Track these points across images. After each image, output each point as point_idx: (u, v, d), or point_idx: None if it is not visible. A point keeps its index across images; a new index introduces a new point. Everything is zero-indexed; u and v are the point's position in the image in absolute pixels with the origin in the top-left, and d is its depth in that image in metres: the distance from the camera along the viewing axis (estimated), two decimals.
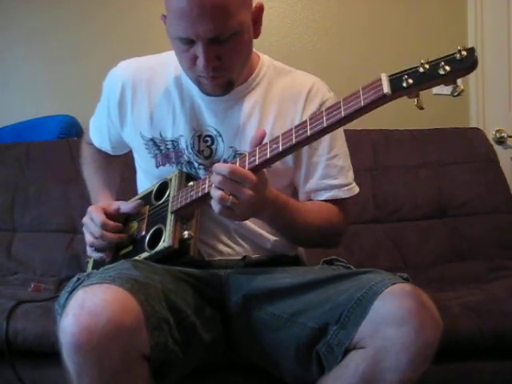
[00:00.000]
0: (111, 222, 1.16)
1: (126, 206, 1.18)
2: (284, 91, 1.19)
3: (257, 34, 1.11)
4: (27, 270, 1.83)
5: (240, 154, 1.15)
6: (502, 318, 1.31)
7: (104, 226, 1.15)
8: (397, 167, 2.04)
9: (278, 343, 1.03)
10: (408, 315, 0.86)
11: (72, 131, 2.23)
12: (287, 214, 1.08)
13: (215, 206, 0.95)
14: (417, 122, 2.18)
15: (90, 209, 1.19)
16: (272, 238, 1.20)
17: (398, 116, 2.16)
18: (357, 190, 1.23)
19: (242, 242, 1.19)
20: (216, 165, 0.94)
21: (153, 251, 1.09)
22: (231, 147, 1.16)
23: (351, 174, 1.23)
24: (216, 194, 0.93)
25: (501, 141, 2.40)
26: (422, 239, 1.92)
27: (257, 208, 0.98)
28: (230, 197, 0.93)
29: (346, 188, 1.20)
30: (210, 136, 1.17)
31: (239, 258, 1.17)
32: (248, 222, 1.17)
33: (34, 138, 2.16)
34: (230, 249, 1.18)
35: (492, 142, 2.22)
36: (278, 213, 1.06)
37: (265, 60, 1.22)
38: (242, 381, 1.22)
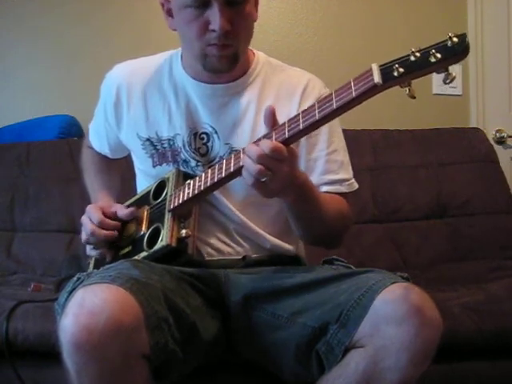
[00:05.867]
0: (108, 221, 1.16)
1: (122, 212, 1.18)
2: (279, 88, 1.19)
3: (256, 17, 1.14)
4: (27, 270, 1.83)
5: (236, 150, 1.14)
6: (502, 318, 1.31)
7: (101, 225, 1.15)
8: (397, 167, 2.04)
9: (278, 343, 1.03)
10: (408, 314, 0.86)
11: (72, 131, 2.23)
12: (311, 198, 1.05)
13: (249, 178, 0.92)
14: (417, 122, 2.19)
15: (89, 208, 1.20)
16: (272, 238, 1.20)
17: (398, 116, 2.17)
18: (356, 185, 1.23)
19: (241, 242, 1.18)
20: (262, 141, 0.92)
21: (151, 250, 1.09)
22: (227, 144, 1.16)
23: (351, 169, 1.23)
24: (255, 167, 0.90)
25: (501, 141, 2.40)
26: (422, 239, 1.92)
27: (287, 185, 0.95)
28: (269, 172, 0.90)
29: (347, 183, 1.20)
30: (205, 133, 1.17)
31: (239, 257, 1.17)
32: (248, 222, 1.17)
33: (33, 138, 2.16)
34: (230, 248, 1.18)
35: (492, 141, 2.21)
36: (304, 195, 1.04)
37: (260, 57, 1.22)
38: (242, 381, 1.22)
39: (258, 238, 1.19)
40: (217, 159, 1.16)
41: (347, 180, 1.20)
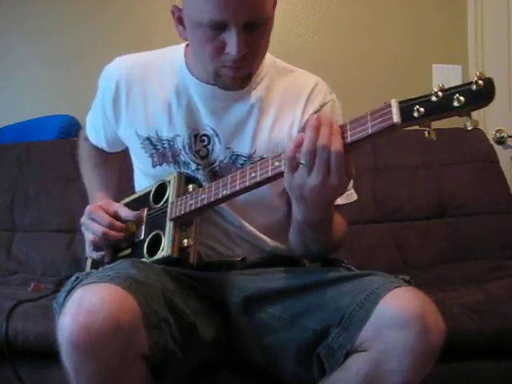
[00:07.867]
0: (117, 222, 1.15)
1: (125, 213, 1.16)
2: (285, 92, 1.16)
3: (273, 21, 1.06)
4: (27, 269, 1.83)
5: (237, 155, 1.13)
6: (502, 318, 1.31)
7: (111, 227, 1.14)
8: (397, 167, 2.04)
9: (278, 344, 1.02)
10: (411, 319, 0.85)
11: (72, 131, 2.23)
12: (329, 224, 1.02)
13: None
14: None
15: (90, 209, 1.18)
16: (271, 240, 1.19)
17: None
18: (355, 197, 1.17)
19: (241, 244, 1.17)
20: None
21: (152, 259, 1.08)
22: (228, 148, 1.13)
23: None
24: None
25: (501, 141, 2.38)
26: (422, 239, 1.92)
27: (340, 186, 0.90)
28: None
29: (344, 193, 1.11)
30: (206, 135, 1.14)
31: (238, 259, 1.16)
32: (248, 225, 1.16)
33: (33, 138, 2.17)
34: (230, 250, 1.17)
35: (492, 141, 2.21)
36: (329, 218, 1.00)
37: (267, 59, 1.17)
38: (241, 381, 1.22)
39: (258, 241, 1.18)
40: (217, 163, 1.14)
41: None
